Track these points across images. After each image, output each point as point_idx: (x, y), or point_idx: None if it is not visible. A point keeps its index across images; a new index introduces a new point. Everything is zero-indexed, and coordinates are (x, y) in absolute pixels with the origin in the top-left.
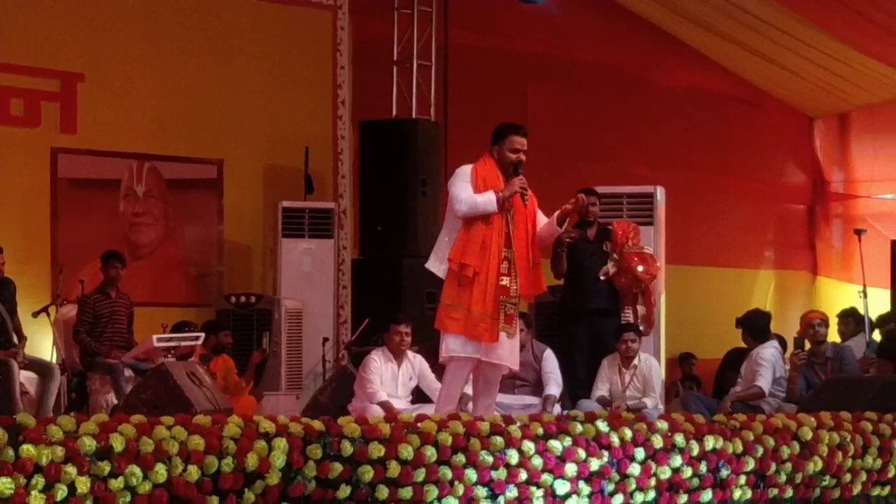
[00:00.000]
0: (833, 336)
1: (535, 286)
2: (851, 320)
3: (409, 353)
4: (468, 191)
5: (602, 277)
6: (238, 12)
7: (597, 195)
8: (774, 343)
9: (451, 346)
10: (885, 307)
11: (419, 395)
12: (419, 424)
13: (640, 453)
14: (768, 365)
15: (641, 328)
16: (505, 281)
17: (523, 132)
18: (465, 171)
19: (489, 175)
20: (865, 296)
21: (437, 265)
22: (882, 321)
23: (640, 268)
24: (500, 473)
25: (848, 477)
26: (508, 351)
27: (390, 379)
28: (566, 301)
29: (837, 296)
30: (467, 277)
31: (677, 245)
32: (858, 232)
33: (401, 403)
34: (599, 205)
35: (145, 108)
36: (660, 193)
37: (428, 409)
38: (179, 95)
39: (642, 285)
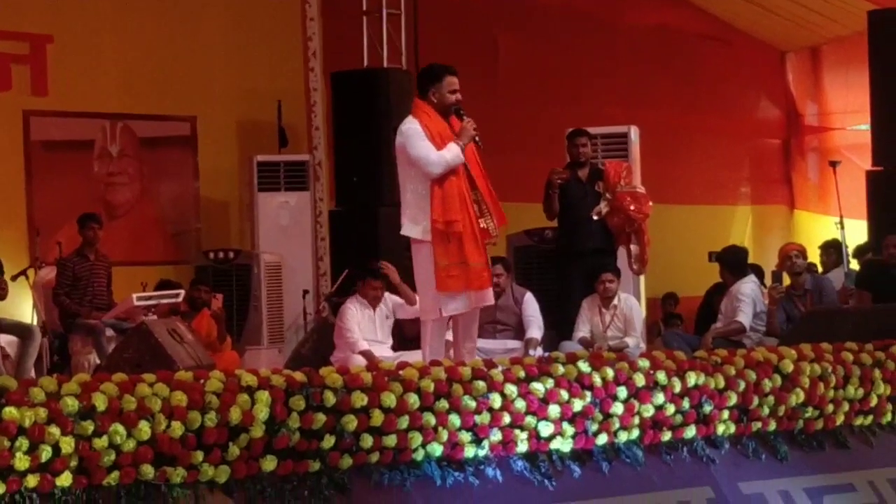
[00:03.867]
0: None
1: (503, 218)
2: (833, 251)
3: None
4: (432, 149)
5: (595, 217)
6: None
7: (588, 136)
8: (753, 278)
9: (453, 305)
10: (863, 238)
11: (401, 343)
12: (401, 372)
13: (622, 392)
14: (748, 300)
15: (635, 267)
16: (484, 223)
17: (455, 71)
18: (416, 128)
19: (437, 126)
20: (842, 227)
21: (413, 227)
22: (860, 252)
23: (632, 207)
24: (484, 418)
25: (830, 408)
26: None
27: (368, 324)
28: (561, 242)
29: (815, 228)
30: (457, 233)
31: (653, 184)
32: (833, 164)
33: (383, 348)
34: (590, 145)
35: (116, 68)
36: (633, 133)
37: (410, 357)
38: (149, 53)
39: (635, 224)
